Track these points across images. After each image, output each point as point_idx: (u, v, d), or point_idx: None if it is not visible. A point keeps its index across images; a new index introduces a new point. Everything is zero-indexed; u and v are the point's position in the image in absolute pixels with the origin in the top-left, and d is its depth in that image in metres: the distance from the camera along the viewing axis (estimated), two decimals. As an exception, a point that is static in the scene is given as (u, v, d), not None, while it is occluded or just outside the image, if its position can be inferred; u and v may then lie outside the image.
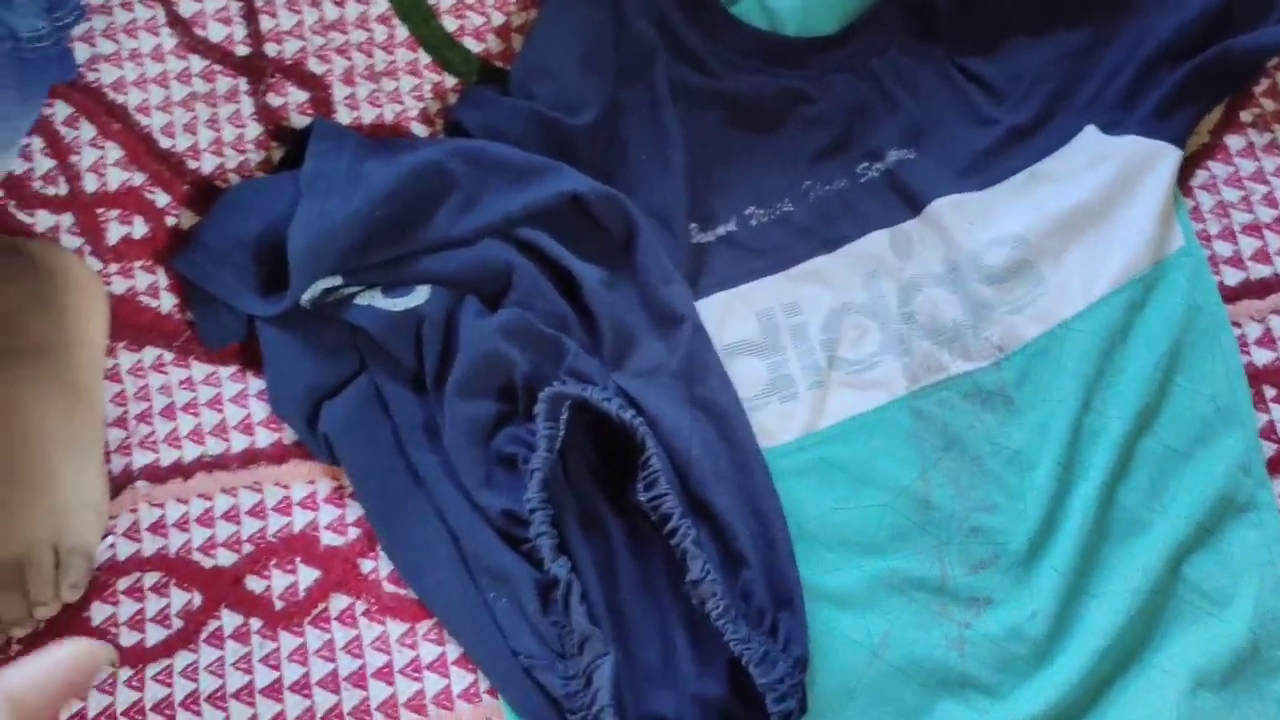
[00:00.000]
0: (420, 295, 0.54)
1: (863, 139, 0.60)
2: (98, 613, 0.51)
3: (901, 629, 0.48)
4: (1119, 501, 0.50)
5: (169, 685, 0.50)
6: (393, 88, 0.63)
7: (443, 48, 0.63)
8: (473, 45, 0.64)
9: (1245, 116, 0.60)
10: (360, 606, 0.51)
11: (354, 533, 0.53)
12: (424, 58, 0.63)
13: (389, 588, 0.52)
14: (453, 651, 0.50)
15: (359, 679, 0.50)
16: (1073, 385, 0.52)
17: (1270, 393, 0.54)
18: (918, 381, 0.54)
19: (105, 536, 0.53)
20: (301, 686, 0.50)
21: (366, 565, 0.52)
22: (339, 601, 0.51)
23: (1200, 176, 0.59)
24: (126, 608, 0.52)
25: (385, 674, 0.50)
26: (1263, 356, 0.55)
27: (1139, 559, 0.49)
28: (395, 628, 0.51)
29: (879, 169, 0.60)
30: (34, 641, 0.51)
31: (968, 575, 0.49)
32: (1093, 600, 0.48)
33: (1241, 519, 0.50)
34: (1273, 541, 0.50)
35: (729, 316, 0.57)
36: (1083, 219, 0.57)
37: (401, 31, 0.63)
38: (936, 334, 0.55)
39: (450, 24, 0.63)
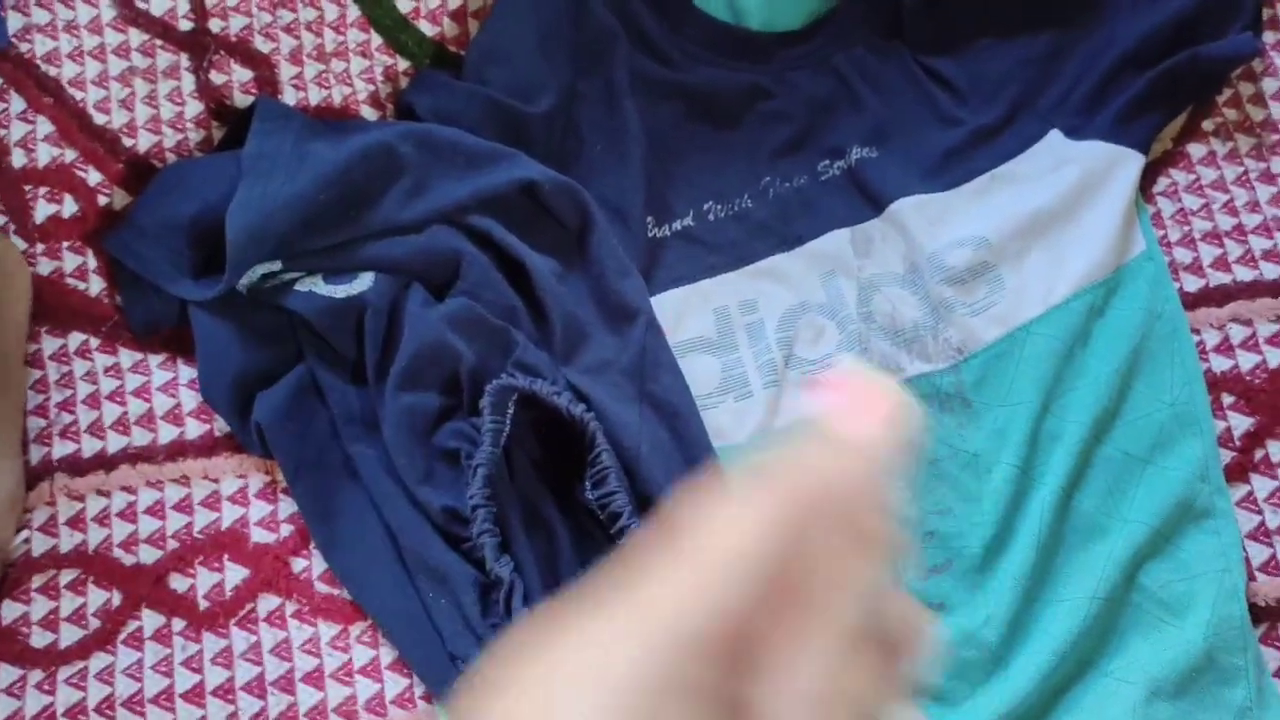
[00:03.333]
0: (363, 283, 0.52)
1: (824, 136, 0.59)
2: (8, 611, 0.48)
3: (854, 635, 0.47)
4: (1076, 507, 0.49)
5: (83, 689, 0.47)
6: (342, 69, 0.61)
7: (395, 29, 0.61)
8: (427, 28, 0.61)
9: (1207, 125, 0.59)
10: (290, 607, 0.49)
11: (286, 530, 0.50)
12: (375, 39, 0.61)
13: (321, 588, 0.49)
14: (387, 655, 0.48)
15: (287, 683, 0.47)
16: (1031, 389, 0.51)
17: (1228, 400, 0.53)
18: (875, 382, 0.53)
19: (19, 531, 0.50)
20: (225, 691, 0.47)
21: (298, 564, 0.49)
22: (268, 602, 0.49)
23: (1162, 183, 0.58)
24: (40, 606, 0.48)
25: (315, 678, 0.47)
26: (1221, 364, 0.54)
27: (1096, 566, 0.48)
28: (327, 630, 0.48)
29: (840, 167, 0.59)
30: (-63, 640, 0.48)
31: (921, 580, 0.48)
32: (1048, 607, 0.47)
33: (1199, 525, 0.49)
34: (1229, 548, 0.49)
35: (684, 313, 0.55)
36: (1044, 222, 0.56)
37: (353, 11, 0.61)
38: (895, 335, 0.54)
39: (404, 5, 0.61)
